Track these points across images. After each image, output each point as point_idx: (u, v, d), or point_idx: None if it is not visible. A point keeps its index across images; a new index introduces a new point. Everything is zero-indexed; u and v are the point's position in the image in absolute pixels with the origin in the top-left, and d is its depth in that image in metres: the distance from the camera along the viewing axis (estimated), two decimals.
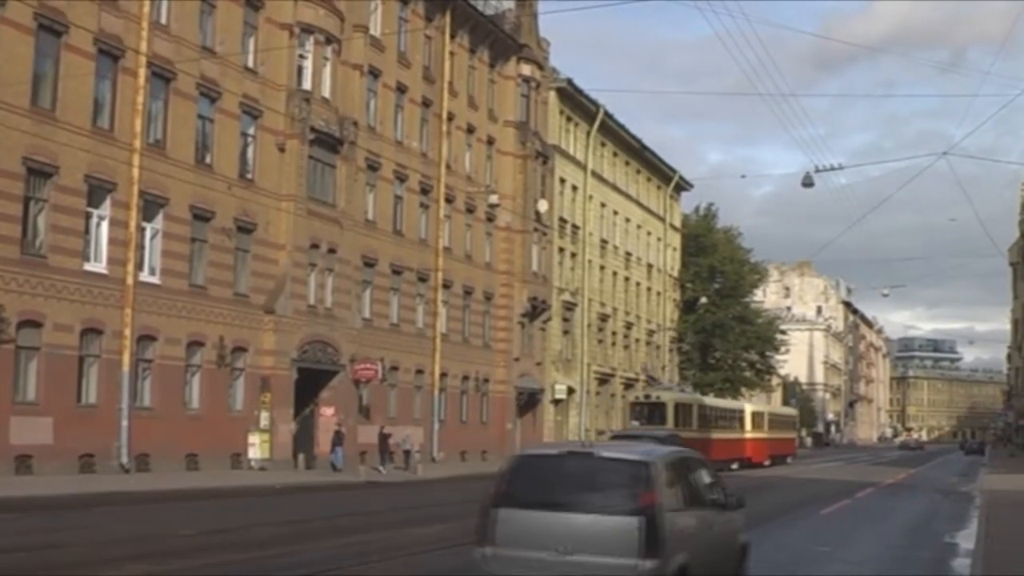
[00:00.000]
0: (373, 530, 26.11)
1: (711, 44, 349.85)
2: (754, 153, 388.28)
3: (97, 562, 19.36)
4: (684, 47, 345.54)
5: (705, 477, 15.46)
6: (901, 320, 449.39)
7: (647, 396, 67.13)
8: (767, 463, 77.64)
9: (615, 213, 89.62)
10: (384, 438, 51.88)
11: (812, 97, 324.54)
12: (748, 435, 76.48)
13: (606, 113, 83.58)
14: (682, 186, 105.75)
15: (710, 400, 75.86)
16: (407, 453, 54.08)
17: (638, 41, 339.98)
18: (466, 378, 66.31)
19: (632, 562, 12.70)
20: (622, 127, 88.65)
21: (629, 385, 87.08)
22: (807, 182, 49.75)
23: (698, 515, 14.51)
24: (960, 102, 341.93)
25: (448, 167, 63.64)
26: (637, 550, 12.71)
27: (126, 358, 40.75)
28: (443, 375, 62.85)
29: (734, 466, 67.57)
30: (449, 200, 63.99)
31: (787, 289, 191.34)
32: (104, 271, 40.37)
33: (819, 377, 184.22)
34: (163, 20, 43.38)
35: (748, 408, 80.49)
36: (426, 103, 61.92)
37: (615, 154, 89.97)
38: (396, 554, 21.37)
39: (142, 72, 41.94)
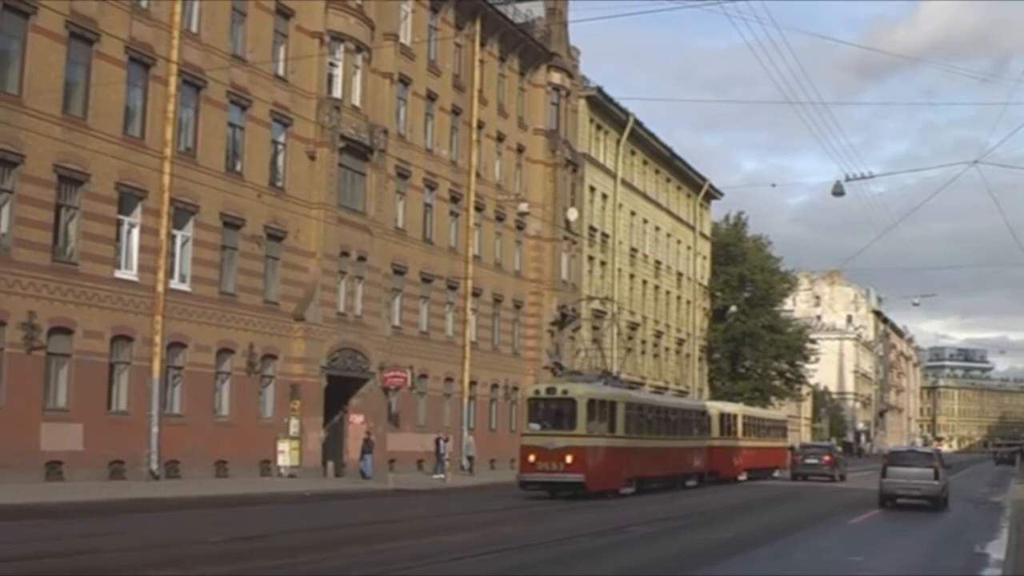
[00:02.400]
0: (402, 538, 26.09)
1: (746, 53, 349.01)
2: (790, 162, 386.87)
3: (127, 568, 19.39)
4: (719, 56, 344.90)
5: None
6: (933, 329, 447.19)
7: (550, 390, 44.85)
8: (742, 477, 64.56)
9: (645, 221, 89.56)
10: (439, 444, 53.00)
11: (848, 106, 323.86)
12: (714, 442, 60.41)
13: (636, 121, 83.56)
14: (712, 194, 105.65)
15: (647, 396, 57.87)
16: (471, 459, 57.69)
17: (672, 50, 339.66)
18: (495, 386, 66.29)
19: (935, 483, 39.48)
20: (652, 135, 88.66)
21: (658, 394, 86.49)
22: (837, 191, 49.51)
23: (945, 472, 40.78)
24: (995, 110, 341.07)
25: (478, 175, 63.66)
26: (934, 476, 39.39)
27: (156, 365, 40.89)
28: (472, 383, 62.89)
29: (690, 482, 54.63)
30: (479, 208, 64.03)
31: (817, 298, 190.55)
32: (135, 278, 40.51)
33: (849, 387, 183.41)
34: (194, 28, 43.56)
35: (714, 408, 64.59)
36: (456, 111, 61.97)
37: (645, 162, 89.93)
38: (425, 561, 21.32)
39: (173, 80, 42.14)
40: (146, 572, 18.95)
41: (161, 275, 41.22)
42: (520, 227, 68.78)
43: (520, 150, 69.04)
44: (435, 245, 59.91)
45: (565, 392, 43.69)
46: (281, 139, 48.50)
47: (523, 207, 66.73)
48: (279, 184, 48.14)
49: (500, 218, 66.74)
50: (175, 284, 42.38)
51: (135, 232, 40.98)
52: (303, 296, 48.87)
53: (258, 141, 47.09)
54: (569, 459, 41.51)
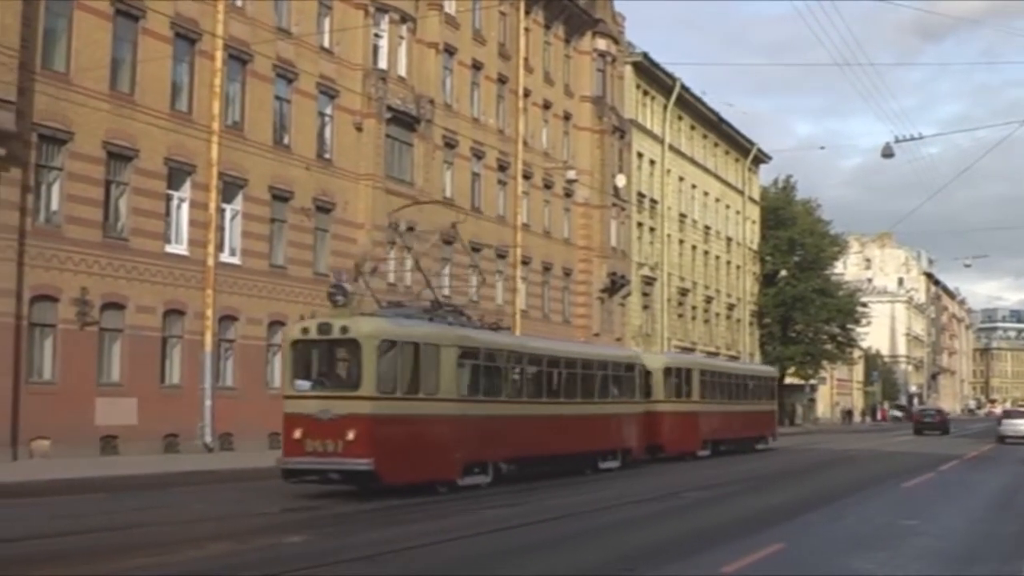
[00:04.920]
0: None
1: (798, 18, 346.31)
2: (843, 125, 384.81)
3: (181, 541, 19.51)
4: (772, 20, 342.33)
5: None
6: (986, 291, 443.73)
7: (323, 329, 27.89)
8: (703, 452, 48.44)
9: (693, 187, 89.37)
10: None
11: (904, 68, 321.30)
12: (657, 407, 44.80)
13: (683, 87, 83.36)
14: (760, 159, 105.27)
15: (488, 337, 32.92)
16: None
17: (721, 16, 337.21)
18: None
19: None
20: (699, 100, 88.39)
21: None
22: (887, 152, 49.35)
23: None
24: None
25: (525, 143, 63.61)
26: None
27: (208, 339, 41.15)
28: None
29: (609, 463, 38.73)
30: (527, 176, 63.98)
31: (868, 261, 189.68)
32: (185, 252, 40.74)
33: (901, 349, 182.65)
34: (239, 2, 43.63)
35: (654, 361, 47.72)
36: (502, 80, 61.91)
37: (692, 128, 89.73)
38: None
39: (219, 55, 42.31)
40: (201, 545, 19.06)
41: (211, 249, 41.45)
42: (568, 194, 68.72)
43: (567, 117, 68.92)
44: (484, 214, 59.90)
45: (345, 331, 27.22)
46: (328, 111, 48.56)
47: (571, 174, 66.71)
48: (327, 156, 48.25)
49: (548, 186, 66.67)
50: (225, 258, 42.59)
51: (184, 207, 41.20)
52: (353, 267, 48.96)
53: (305, 114, 47.18)
54: (351, 435, 26.20)
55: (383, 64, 50.79)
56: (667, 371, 47.29)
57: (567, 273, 68.76)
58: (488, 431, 30.99)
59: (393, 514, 24.36)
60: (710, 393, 49.94)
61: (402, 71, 51.94)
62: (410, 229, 51.72)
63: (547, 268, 66.60)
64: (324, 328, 27.80)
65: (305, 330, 28.38)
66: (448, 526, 22.21)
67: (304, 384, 27.83)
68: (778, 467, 43.83)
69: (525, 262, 63.60)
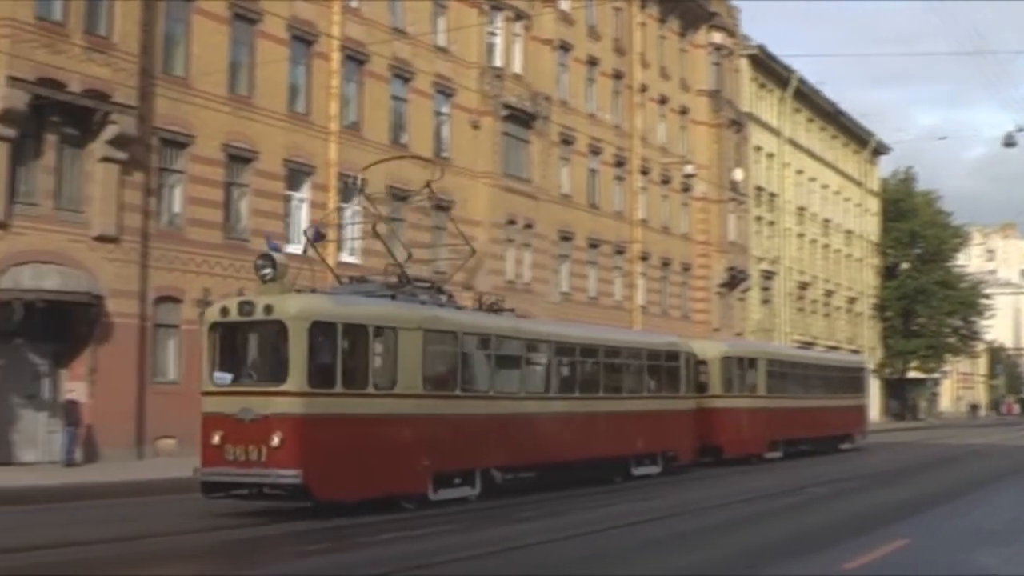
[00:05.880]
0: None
1: (921, 6, 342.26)
2: (965, 115, 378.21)
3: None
4: (893, 10, 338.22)
5: None
6: None
7: (245, 309, 22.43)
8: (772, 454, 42.03)
9: (811, 179, 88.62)
10: None
11: None
12: (714, 402, 39.11)
13: (800, 79, 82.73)
14: (880, 150, 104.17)
15: (507, 323, 28.40)
16: None
17: (841, 6, 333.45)
18: None
19: None
20: (816, 92, 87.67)
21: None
22: (1009, 142, 48.86)
23: None
24: None
25: (642, 139, 63.39)
26: None
27: None
28: None
29: (646, 469, 32.87)
30: (644, 172, 63.77)
31: (991, 252, 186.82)
32: (303, 252, 40.99)
33: None
34: (354, 3, 43.88)
35: (710, 349, 41.14)
36: (617, 75, 61.72)
37: (810, 120, 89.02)
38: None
39: (335, 56, 42.68)
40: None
41: (331, 248, 41.63)
42: (686, 189, 68.39)
43: (683, 112, 68.59)
44: (601, 210, 59.76)
45: (269, 311, 21.99)
46: (444, 110, 48.70)
47: (688, 169, 66.36)
48: (444, 154, 48.32)
49: (666, 181, 66.39)
50: (344, 257, 42.75)
51: (304, 207, 41.50)
52: (471, 265, 49.00)
53: (421, 113, 47.33)
54: (276, 439, 21.20)
55: (498, 62, 50.87)
56: (725, 361, 40.95)
57: (686, 268, 68.43)
58: (472, 433, 25.59)
59: (321, 538, 19.68)
60: (781, 386, 43.49)
61: (518, 68, 51.98)
62: (528, 226, 51.84)
63: (666, 263, 66.30)
64: (246, 308, 22.39)
65: (225, 310, 23.00)
66: (387, 556, 17.86)
67: (224, 377, 22.73)
68: (872, 468, 39.49)
69: (644, 258, 63.36)
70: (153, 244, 35.37)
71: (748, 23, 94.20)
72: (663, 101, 66.37)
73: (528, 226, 52.16)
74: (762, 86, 79.22)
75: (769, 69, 79.62)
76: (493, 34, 50.92)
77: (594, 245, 58.79)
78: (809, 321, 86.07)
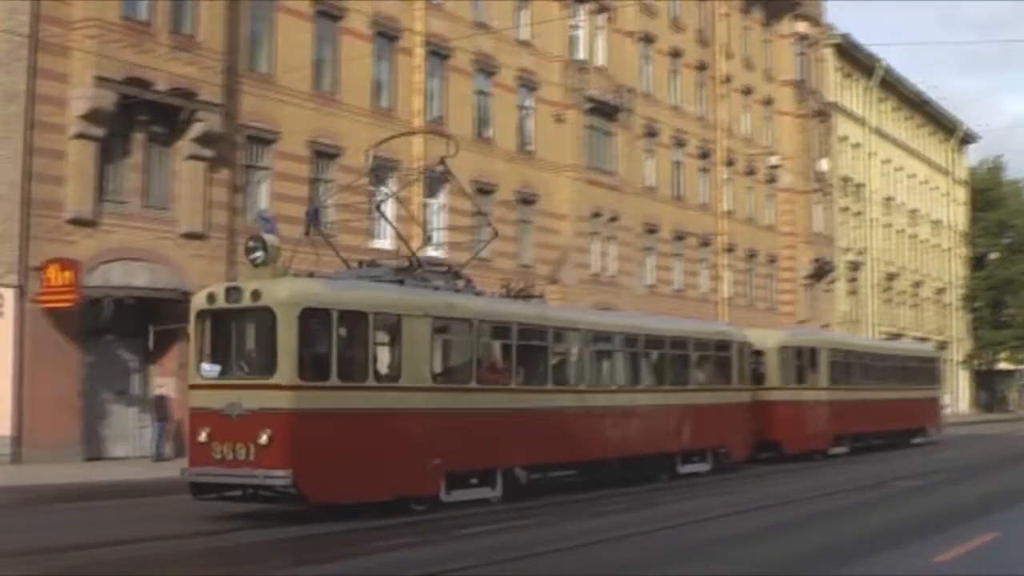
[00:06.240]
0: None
1: None
2: None
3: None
4: None
5: None
6: None
7: (232, 295, 20.60)
8: (838, 449, 39.35)
9: (898, 169, 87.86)
10: None
11: None
12: (771, 394, 36.17)
13: (885, 67, 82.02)
14: (968, 139, 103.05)
15: (534, 310, 26.48)
16: None
17: None
18: None
19: None
20: (902, 81, 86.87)
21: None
22: None
23: None
24: None
25: (727, 130, 63.12)
26: None
27: None
28: None
29: (694, 466, 30.27)
30: (729, 163, 63.48)
31: None
32: (390, 248, 41.06)
33: None
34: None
35: (767, 338, 37.86)
36: (701, 67, 61.47)
37: (896, 109, 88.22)
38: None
39: (419, 51, 42.83)
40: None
41: (417, 243, 41.71)
42: (771, 180, 68.01)
43: (768, 102, 68.19)
44: (686, 202, 59.59)
45: (256, 296, 20.19)
46: (528, 103, 48.71)
47: (774, 160, 66.07)
48: (528, 148, 48.35)
49: (751, 172, 66.09)
50: (430, 251, 42.83)
51: (390, 203, 41.56)
52: (557, 258, 49.02)
53: (505, 107, 47.38)
54: (264, 437, 19.32)
55: (582, 55, 50.81)
56: (783, 351, 37.81)
57: (771, 260, 68.03)
58: (491, 429, 23.17)
59: (307, 548, 17.66)
60: (846, 377, 40.78)
61: (601, 61, 51.90)
62: (612, 219, 51.75)
63: (751, 255, 65.95)
64: (233, 294, 20.59)
65: (211, 297, 21.06)
66: (391, 562, 16.38)
67: (211, 369, 20.91)
68: (950, 463, 36.89)
69: (729, 249, 63.06)
70: (240, 240, 35.41)
71: (832, 11, 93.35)
72: (747, 92, 66.05)
73: (613, 219, 52.04)
74: (847, 75, 78.64)
75: (854, 58, 79.02)
76: (576, 27, 50.87)
77: (679, 237, 58.59)
78: (897, 312, 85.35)
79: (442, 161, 27.41)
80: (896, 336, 79.70)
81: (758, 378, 35.63)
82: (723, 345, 32.71)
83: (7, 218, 31.05)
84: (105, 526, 20.08)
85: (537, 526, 20.21)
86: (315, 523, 19.26)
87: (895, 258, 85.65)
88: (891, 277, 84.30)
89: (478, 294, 24.84)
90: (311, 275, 21.79)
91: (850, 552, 16.96)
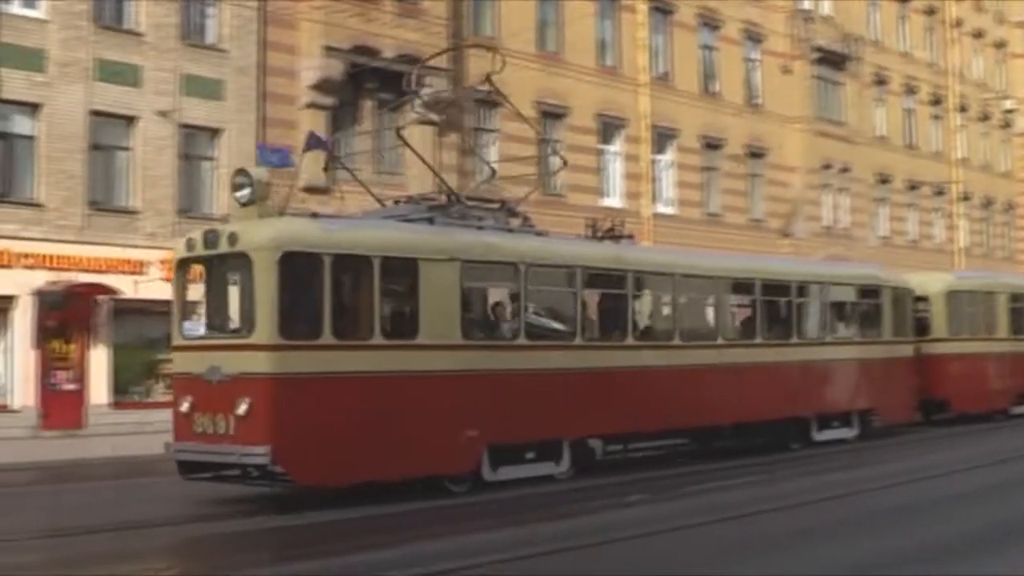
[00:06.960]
0: None
1: None
2: None
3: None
4: None
5: None
6: None
7: (209, 241, 16.98)
8: (1020, 409, 33.12)
9: None
10: None
11: None
12: (937, 347, 31.01)
13: None
14: None
15: (607, 251, 21.85)
16: None
17: None
18: None
19: None
20: None
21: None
22: None
23: None
24: None
25: (959, 75, 61.58)
26: None
27: None
28: None
29: (835, 432, 26.04)
30: (962, 109, 61.90)
31: None
32: (620, 205, 41.01)
33: None
34: None
35: (932, 283, 32.33)
36: (930, 11, 60.03)
37: None
38: None
39: (642, 8, 42.70)
40: None
41: (646, 200, 41.66)
42: (1006, 125, 66.16)
43: (1000, 46, 66.34)
44: (919, 150, 58.31)
45: (233, 241, 16.77)
46: (754, 56, 48.16)
47: (1008, 104, 64.30)
48: (756, 101, 47.82)
49: (985, 118, 64.38)
50: (660, 208, 42.72)
51: (618, 160, 41.57)
52: (788, 212, 48.42)
53: (731, 60, 46.94)
54: (243, 407, 16.01)
55: (807, 5, 49.97)
56: (952, 296, 32.25)
57: (1009, 208, 66.24)
58: (549, 394, 19.21)
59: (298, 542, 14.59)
60: None
61: (827, 10, 51.03)
62: (844, 170, 50.97)
63: (988, 204, 64.27)
64: (210, 238, 17.16)
65: (190, 243, 17.66)
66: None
67: (193, 328, 18.23)
68: None
69: (965, 198, 61.52)
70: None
71: None
72: (978, 35, 64.28)
73: (844, 170, 51.18)
74: None
75: None
76: None
77: (913, 187, 57.40)
78: None
79: (487, 79, 22.93)
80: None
81: (923, 328, 30.81)
82: (870, 291, 27.67)
83: None
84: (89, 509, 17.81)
85: (602, 509, 16.76)
86: (331, 508, 16.31)
87: None
88: None
89: (538, 234, 21.13)
90: (314, 215, 18.05)
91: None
